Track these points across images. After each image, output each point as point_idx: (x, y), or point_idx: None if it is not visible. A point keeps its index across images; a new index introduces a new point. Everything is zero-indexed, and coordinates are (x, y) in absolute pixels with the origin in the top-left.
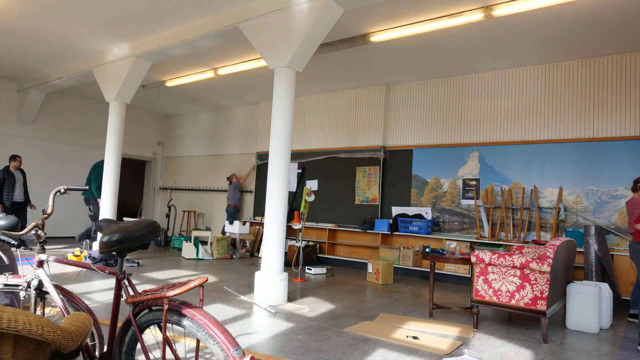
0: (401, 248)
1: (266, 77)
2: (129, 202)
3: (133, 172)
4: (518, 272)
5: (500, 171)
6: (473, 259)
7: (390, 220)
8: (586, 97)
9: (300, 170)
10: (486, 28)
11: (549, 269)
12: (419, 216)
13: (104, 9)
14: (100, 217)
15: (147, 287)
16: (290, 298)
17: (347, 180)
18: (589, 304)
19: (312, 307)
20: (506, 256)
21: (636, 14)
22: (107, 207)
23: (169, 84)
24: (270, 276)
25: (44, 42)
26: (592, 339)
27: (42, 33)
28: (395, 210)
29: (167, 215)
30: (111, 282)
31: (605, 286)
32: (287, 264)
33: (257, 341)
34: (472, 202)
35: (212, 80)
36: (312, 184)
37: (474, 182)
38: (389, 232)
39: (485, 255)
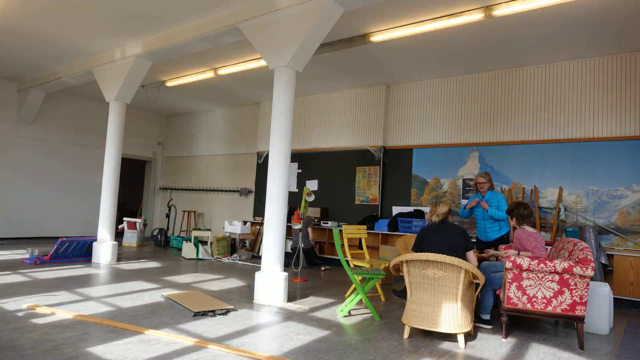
0: None
1: (266, 77)
2: (128, 202)
3: (133, 172)
4: (557, 278)
5: (500, 171)
6: (509, 265)
7: (389, 220)
8: (586, 97)
9: (300, 170)
10: (486, 28)
11: (592, 273)
12: (419, 216)
13: (104, 9)
14: (100, 216)
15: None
16: (290, 298)
17: (347, 180)
18: (600, 305)
19: (312, 307)
20: (547, 262)
21: (636, 14)
22: (106, 208)
23: (169, 84)
24: (270, 276)
25: (44, 42)
26: (609, 341)
27: (42, 33)
28: (396, 210)
29: (167, 215)
30: None
31: (607, 286)
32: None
33: (257, 341)
34: None
35: (212, 80)
36: (312, 184)
37: (474, 182)
38: (389, 232)
39: (524, 261)
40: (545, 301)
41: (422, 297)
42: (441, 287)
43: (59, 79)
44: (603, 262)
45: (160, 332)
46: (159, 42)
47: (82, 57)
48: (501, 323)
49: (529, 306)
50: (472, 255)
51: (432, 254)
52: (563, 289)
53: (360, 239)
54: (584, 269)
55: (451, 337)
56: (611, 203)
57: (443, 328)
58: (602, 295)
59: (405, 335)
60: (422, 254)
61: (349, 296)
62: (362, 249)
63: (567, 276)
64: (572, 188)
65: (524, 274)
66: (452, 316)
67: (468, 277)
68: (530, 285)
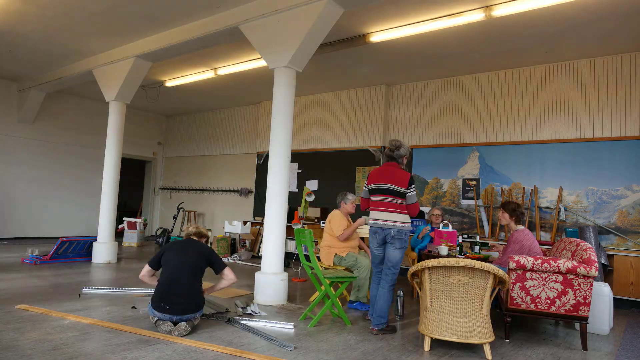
0: None
1: (266, 77)
2: (128, 202)
3: (133, 172)
4: (560, 278)
5: (500, 171)
6: (512, 265)
7: None
8: (586, 97)
9: (300, 170)
10: (486, 28)
11: (596, 273)
12: (419, 216)
13: (104, 9)
14: (100, 216)
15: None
16: (290, 298)
17: (347, 181)
18: (601, 305)
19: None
20: (551, 261)
21: (636, 14)
22: (107, 208)
23: (169, 84)
24: (270, 276)
25: (44, 42)
26: (609, 341)
27: (42, 33)
28: None
29: (175, 217)
30: None
31: (607, 286)
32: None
33: (257, 341)
34: (472, 202)
35: (212, 80)
36: (312, 184)
37: (474, 182)
38: None
39: (527, 261)
40: (549, 302)
41: (444, 305)
42: (466, 294)
43: (59, 79)
44: (603, 262)
45: (159, 334)
46: (159, 42)
47: (82, 57)
48: (504, 324)
49: (532, 307)
50: (227, 271)
51: (462, 259)
52: (567, 290)
53: (363, 238)
54: (588, 269)
55: (470, 347)
56: (611, 203)
57: (470, 338)
58: (602, 295)
59: (426, 347)
60: (451, 259)
61: (313, 301)
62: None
63: (571, 276)
64: (572, 188)
65: (528, 275)
66: (478, 325)
67: (494, 283)
68: (533, 286)
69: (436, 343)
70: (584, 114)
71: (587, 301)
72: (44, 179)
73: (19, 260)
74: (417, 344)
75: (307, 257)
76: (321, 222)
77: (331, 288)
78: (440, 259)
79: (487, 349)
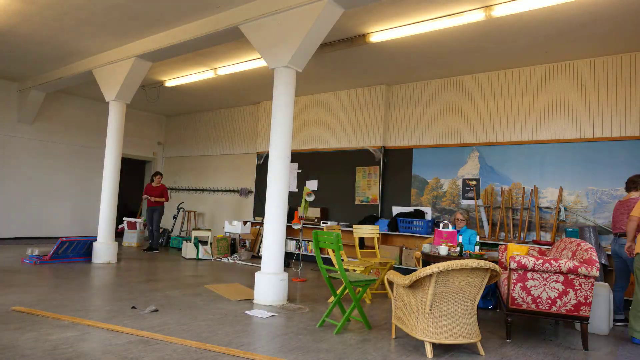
0: (404, 248)
1: (266, 77)
2: (128, 202)
3: (133, 172)
4: (562, 278)
5: (500, 171)
6: (513, 265)
7: (389, 220)
8: (586, 97)
9: (300, 170)
10: (486, 28)
11: (597, 273)
12: (419, 216)
13: (104, 9)
14: (100, 216)
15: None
16: (290, 298)
17: (347, 180)
18: (600, 305)
19: (312, 307)
20: (552, 261)
21: (636, 14)
22: (106, 208)
23: (169, 84)
24: (270, 276)
25: (44, 42)
26: (608, 341)
27: (42, 33)
28: (396, 210)
29: (175, 217)
30: None
31: (607, 286)
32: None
33: (257, 341)
34: (472, 202)
35: (212, 80)
36: (312, 184)
37: (474, 182)
38: (389, 232)
39: (528, 260)
40: (550, 302)
41: (444, 308)
42: (463, 294)
43: (59, 79)
44: (603, 262)
45: (159, 335)
46: (159, 42)
47: (82, 57)
48: (505, 324)
49: (533, 307)
50: None
51: (470, 260)
52: (568, 290)
53: (362, 238)
54: (589, 269)
55: (465, 345)
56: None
57: (470, 338)
58: (601, 296)
59: (429, 354)
60: (459, 261)
61: (332, 302)
62: (362, 249)
63: (572, 277)
64: (572, 188)
65: (529, 275)
66: (473, 323)
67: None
68: (535, 286)
69: (434, 345)
70: (584, 114)
71: (588, 301)
72: (44, 178)
73: (18, 260)
74: (409, 349)
75: (323, 260)
76: (321, 222)
77: (345, 291)
78: (450, 263)
79: (479, 346)
